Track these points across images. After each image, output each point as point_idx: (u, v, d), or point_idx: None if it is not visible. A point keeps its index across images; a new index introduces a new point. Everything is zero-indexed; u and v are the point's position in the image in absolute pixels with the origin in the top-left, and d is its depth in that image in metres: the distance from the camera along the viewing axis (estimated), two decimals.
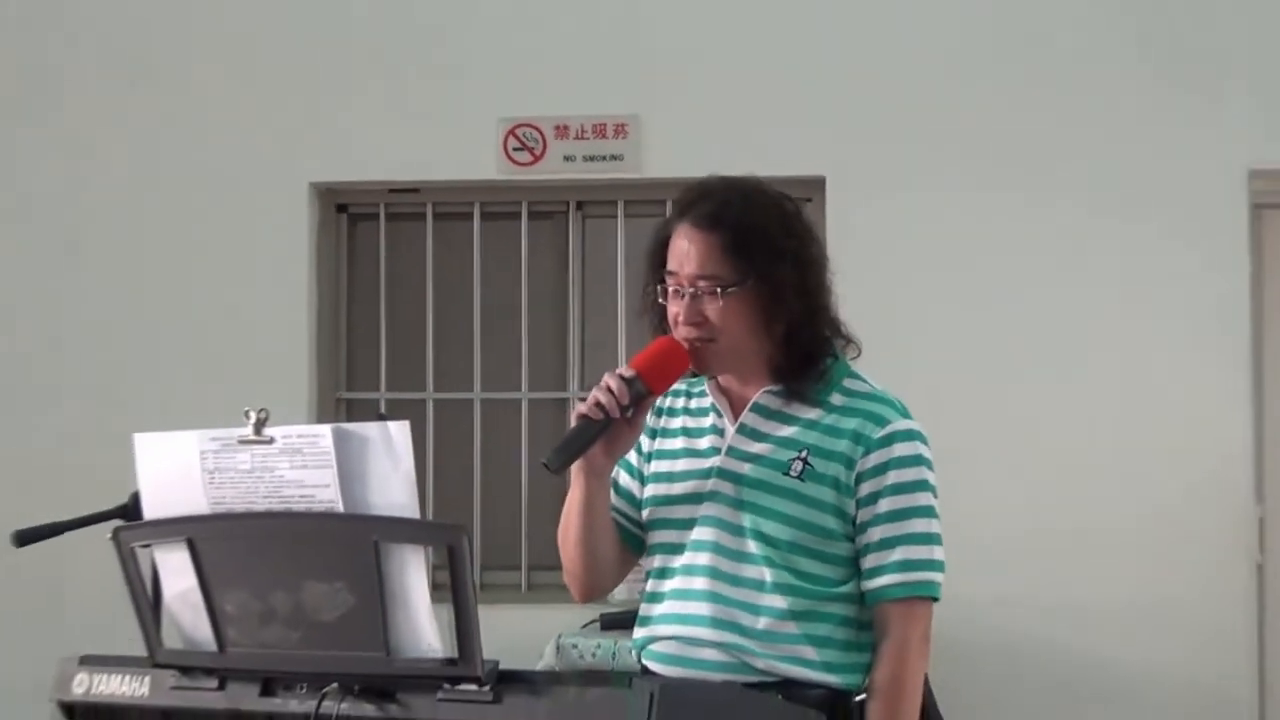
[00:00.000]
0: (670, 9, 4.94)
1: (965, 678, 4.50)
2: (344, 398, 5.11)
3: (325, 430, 2.57)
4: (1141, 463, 4.72)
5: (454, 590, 2.52)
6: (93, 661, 2.91)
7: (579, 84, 4.96)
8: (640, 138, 4.91)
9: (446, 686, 2.53)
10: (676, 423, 2.98)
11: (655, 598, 2.94)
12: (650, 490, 2.95)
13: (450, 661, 2.54)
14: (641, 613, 2.97)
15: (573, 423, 2.77)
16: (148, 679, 2.81)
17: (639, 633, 2.95)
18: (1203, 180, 4.78)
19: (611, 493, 2.96)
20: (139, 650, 2.80)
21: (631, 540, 2.98)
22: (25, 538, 3.30)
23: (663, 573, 2.93)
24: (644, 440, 2.96)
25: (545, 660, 4.40)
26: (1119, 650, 4.69)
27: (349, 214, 5.19)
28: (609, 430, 2.79)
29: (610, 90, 4.94)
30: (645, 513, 2.94)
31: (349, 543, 2.58)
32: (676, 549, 2.91)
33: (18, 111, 5.09)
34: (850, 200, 4.90)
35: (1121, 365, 4.78)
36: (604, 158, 4.86)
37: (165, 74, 5.08)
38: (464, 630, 2.53)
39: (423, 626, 2.56)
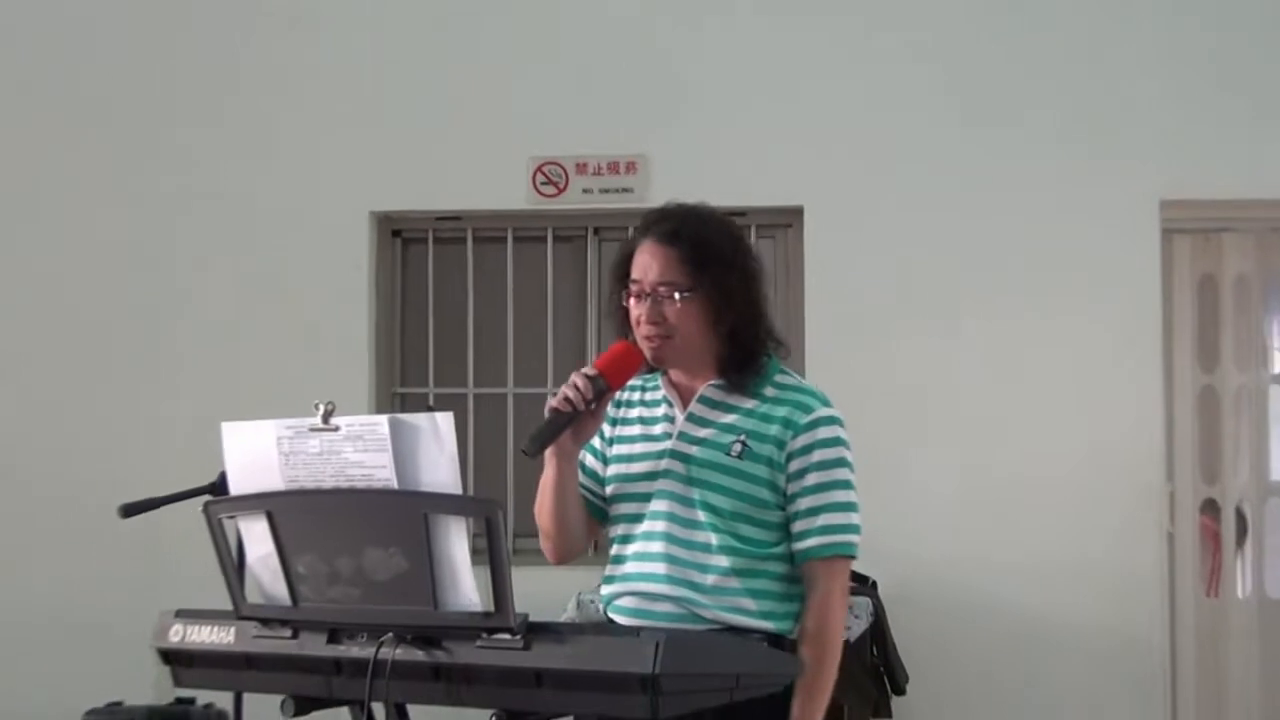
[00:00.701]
0: (672, 66, 4.94)
1: (920, 625, 4.55)
2: (398, 392, 5.12)
3: (382, 420, 2.60)
4: (1070, 448, 4.75)
5: (491, 555, 2.56)
6: (186, 615, 2.93)
7: (596, 129, 4.96)
8: (648, 173, 4.92)
9: (484, 635, 2.57)
10: (634, 413, 3.02)
11: (619, 560, 2.98)
12: (612, 470, 2.99)
13: (487, 614, 2.57)
14: (607, 573, 3.01)
15: (546, 415, 2.81)
16: (233, 629, 2.83)
17: (605, 590, 2.99)
18: (1122, 208, 4.79)
19: (579, 472, 2.99)
20: (226, 606, 2.84)
21: (596, 512, 3.03)
22: (130, 510, 3.33)
23: (625, 539, 2.98)
24: (605, 427, 3.00)
25: (568, 613, 4.41)
26: (1049, 602, 4.71)
27: (402, 238, 5.17)
28: (576, 420, 2.84)
29: (622, 134, 4.95)
30: (609, 489, 2.99)
31: (402, 515, 2.61)
32: (636, 519, 2.96)
33: (137, 147, 5.10)
34: (824, 226, 4.90)
35: (1054, 365, 4.78)
36: (617, 190, 4.87)
37: (244, 112, 5.09)
38: (499, 588, 2.56)
39: (464, 585, 2.59)
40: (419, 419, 2.59)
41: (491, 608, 2.56)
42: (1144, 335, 4.79)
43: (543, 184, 4.96)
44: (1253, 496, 4.96)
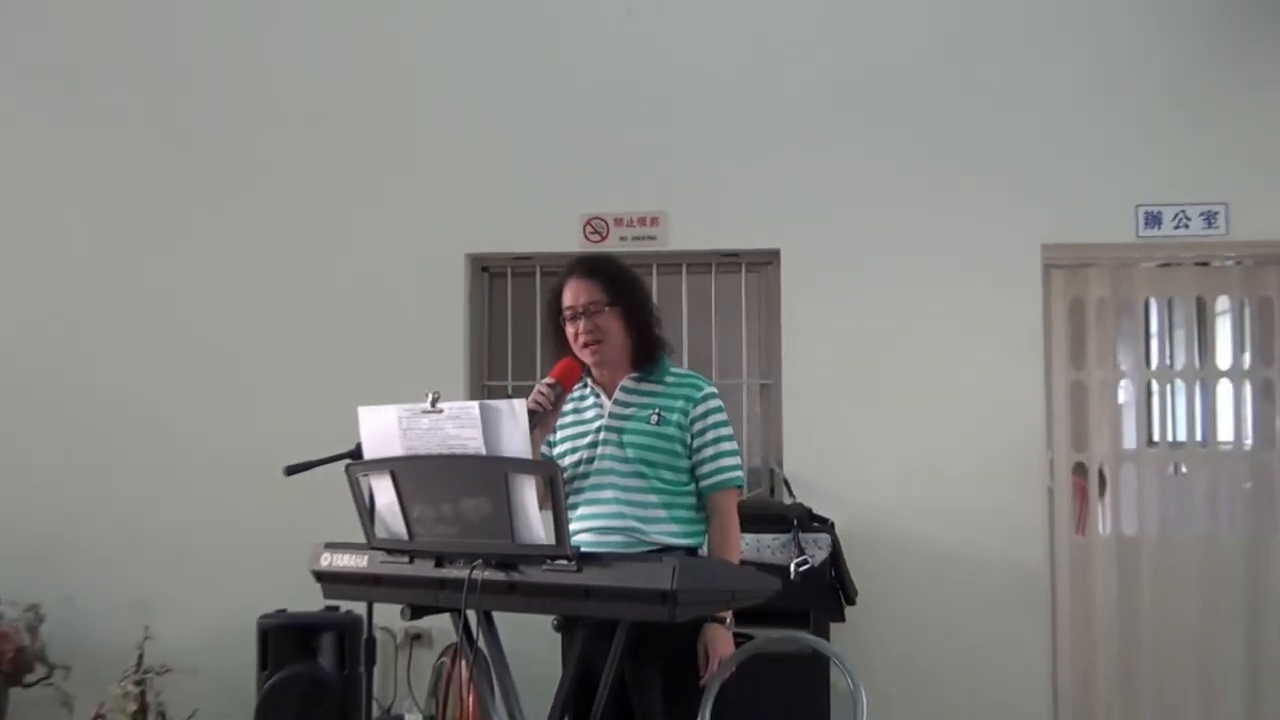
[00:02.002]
0: (683, 146, 4.96)
1: (865, 556, 4.56)
2: (486, 384, 5.12)
3: (474, 405, 2.68)
4: (976, 427, 4.75)
5: (553, 503, 2.64)
6: (333, 546, 3.00)
7: (629, 195, 4.98)
8: (666, 225, 4.94)
9: (548, 561, 2.63)
10: (567, 408, 3.19)
11: (575, 507, 3.13)
12: (561, 447, 3.19)
13: (550, 546, 2.64)
14: (571, 518, 3.11)
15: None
16: (366, 556, 2.91)
17: (571, 528, 3.06)
18: (1016, 250, 4.80)
19: (544, 450, 3.17)
20: (360, 539, 2.91)
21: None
22: (292, 469, 3.39)
23: (579, 491, 3.14)
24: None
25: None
26: (960, 540, 4.72)
27: (489, 272, 5.19)
28: (543, 416, 3.02)
29: (647, 198, 4.97)
30: (563, 460, 3.15)
31: (488, 474, 2.67)
32: (584, 477, 3.13)
33: (296, 203, 5.15)
34: (795, 263, 4.91)
35: (966, 367, 4.78)
36: (644, 238, 4.91)
37: (378, 174, 5.10)
38: (559, 527, 2.63)
39: (534, 525, 2.66)
40: (500, 404, 2.66)
41: (553, 541, 2.63)
42: (1030, 344, 4.80)
43: (590, 233, 4.99)
44: (1110, 460, 4.97)
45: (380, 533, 2.85)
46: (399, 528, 2.80)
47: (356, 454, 2.91)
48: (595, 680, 2.86)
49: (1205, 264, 4.97)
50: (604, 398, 3.12)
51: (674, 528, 3.03)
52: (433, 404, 2.70)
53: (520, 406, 2.65)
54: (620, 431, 3.06)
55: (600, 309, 3.06)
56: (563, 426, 3.15)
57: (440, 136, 5.07)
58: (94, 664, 4.76)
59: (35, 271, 5.22)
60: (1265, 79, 4.74)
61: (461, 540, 2.70)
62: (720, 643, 3.00)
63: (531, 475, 2.63)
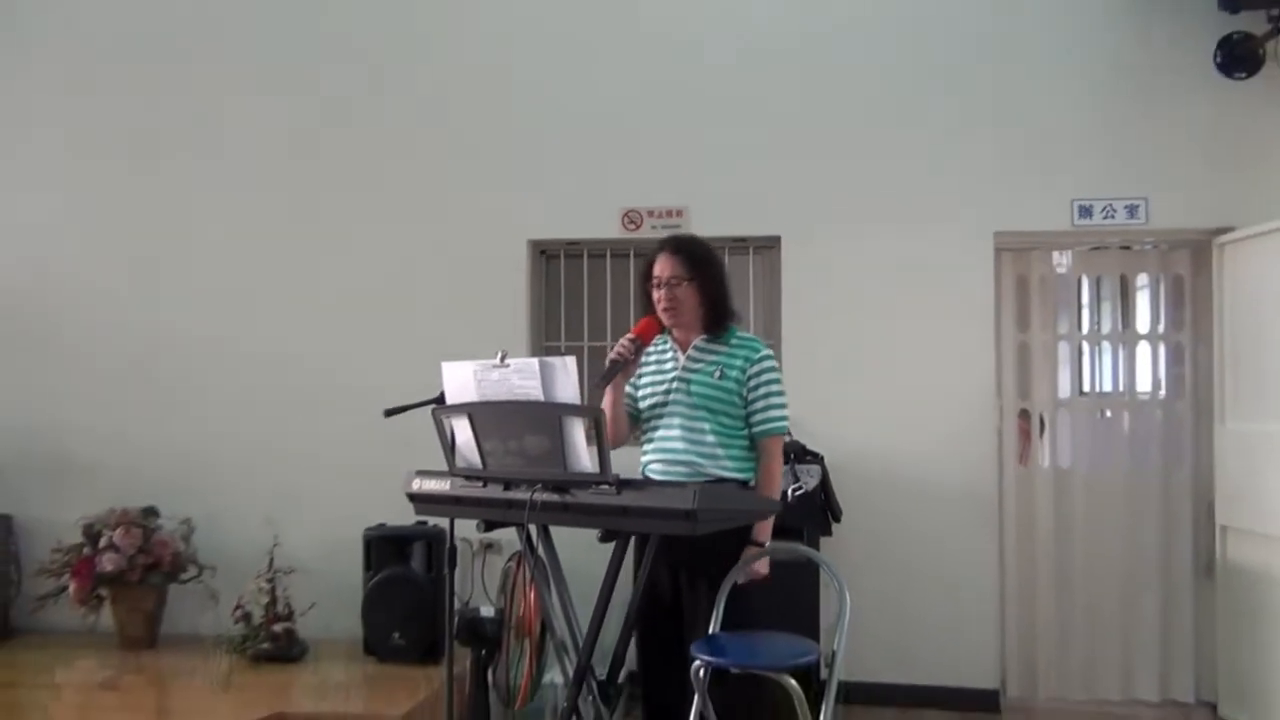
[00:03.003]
0: (701, 148, 4.90)
1: (849, 483, 4.53)
2: (544, 345, 5.09)
3: (535, 360, 2.67)
4: (938, 379, 4.70)
5: (598, 439, 2.61)
6: (422, 473, 3.02)
7: (659, 191, 4.93)
8: (690, 215, 4.87)
9: (594, 486, 2.63)
10: (650, 359, 3.18)
11: (650, 441, 3.12)
12: (644, 392, 3.15)
13: (595, 474, 2.63)
14: (644, 449, 3.16)
15: (608, 363, 3.01)
16: (448, 481, 2.91)
17: (644, 459, 3.14)
18: (972, 236, 4.72)
19: (624, 395, 3.14)
20: (444, 468, 2.90)
21: (634, 417, 3.17)
22: (390, 412, 3.39)
23: (654, 429, 3.13)
24: (639, 370, 3.19)
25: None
26: (924, 471, 4.68)
27: (545, 255, 5.15)
28: (624, 366, 3.02)
29: (674, 193, 4.91)
30: (642, 404, 3.14)
31: (546, 417, 2.67)
32: (660, 417, 3.11)
33: (400, 197, 5.13)
34: (793, 247, 4.85)
35: (930, 330, 4.71)
36: (670, 226, 4.79)
37: (451, 166, 5.06)
38: (602, 459, 2.62)
39: (583, 456, 2.65)
40: (556, 360, 2.66)
41: (598, 470, 2.62)
42: (983, 311, 4.73)
43: (628, 223, 4.94)
44: (1048, 407, 4.91)
45: (459, 463, 2.86)
46: (474, 459, 2.81)
47: (441, 400, 2.93)
48: (662, 588, 2.93)
49: (1128, 248, 4.92)
50: (680, 353, 3.13)
51: (729, 464, 3.02)
52: (501, 360, 2.71)
53: (571, 363, 2.66)
54: (689, 382, 3.06)
55: (680, 282, 3.07)
56: (647, 373, 3.17)
57: (509, 143, 5.03)
58: (234, 565, 4.80)
59: (201, 242, 5.24)
60: (1177, 93, 4.63)
61: (524, 469, 2.71)
62: (758, 563, 3.03)
63: (580, 418, 2.63)
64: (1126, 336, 4.94)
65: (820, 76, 4.87)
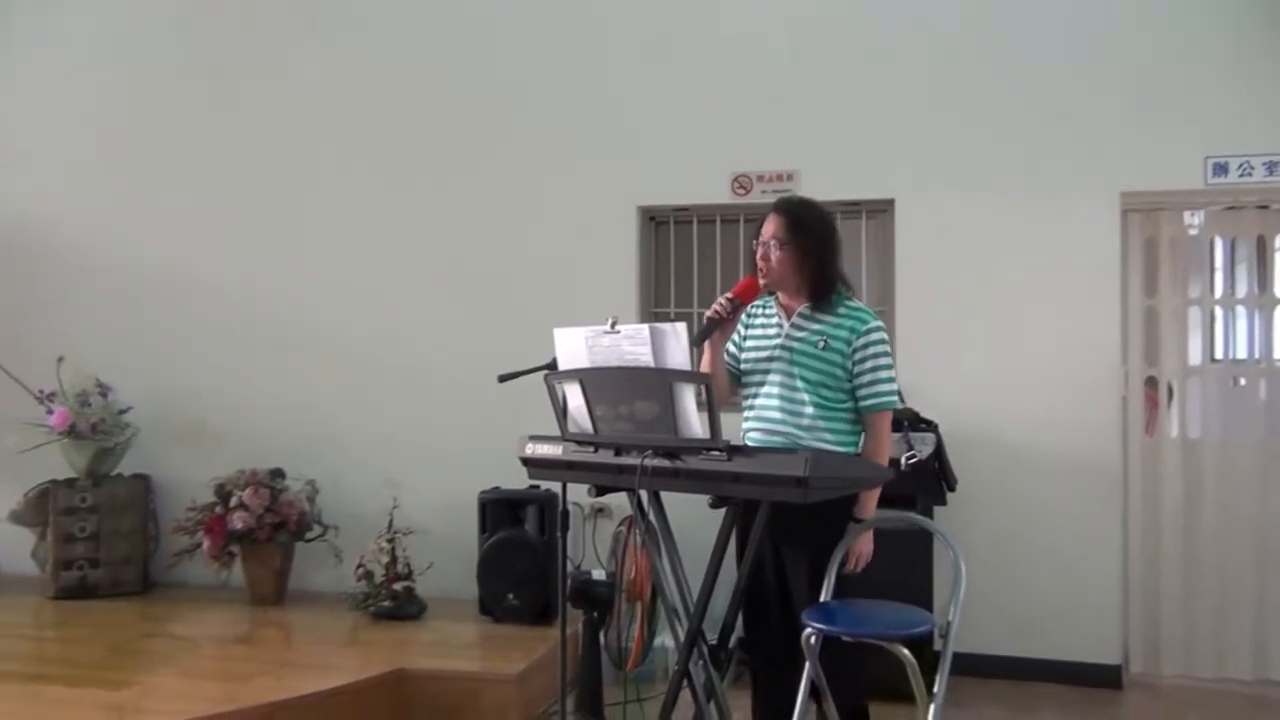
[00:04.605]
0: (813, 111, 4.81)
1: (964, 450, 4.45)
2: (653, 311, 5.08)
3: (645, 327, 2.68)
4: (1063, 345, 4.56)
5: (708, 405, 2.62)
6: (536, 438, 3.06)
7: (769, 155, 4.87)
8: (800, 180, 4.80)
9: (704, 452, 2.63)
10: (757, 321, 3.12)
11: (750, 408, 3.08)
12: (747, 354, 3.09)
13: (706, 440, 2.63)
14: (744, 415, 3.12)
15: (704, 320, 2.97)
16: (560, 446, 2.95)
17: (744, 426, 3.10)
18: (1099, 198, 4.54)
19: (724, 354, 3.10)
20: (557, 433, 2.94)
21: (734, 377, 3.13)
22: (504, 378, 3.45)
23: (754, 396, 3.10)
24: (740, 329, 3.13)
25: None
26: (1047, 439, 4.56)
27: (655, 221, 5.14)
28: (722, 325, 3.00)
29: (785, 157, 4.85)
30: (743, 366, 3.09)
31: (657, 382, 2.68)
32: (760, 384, 3.07)
33: (509, 179, 5.18)
34: (908, 211, 4.75)
35: (1054, 293, 4.57)
36: (781, 190, 4.72)
37: (561, 134, 5.08)
38: (713, 424, 2.62)
39: (693, 422, 2.66)
40: (666, 326, 2.66)
41: (708, 436, 2.62)
42: (1108, 275, 4.55)
43: (737, 188, 4.90)
44: (1178, 375, 4.71)
45: (571, 428, 2.89)
46: (586, 424, 2.83)
47: (553, 366, 2.95)
48: (763, 554, 2.94)
49: (1265, 207, 4.65)
50: (784, 321, 3.07)
51: (829, 437, 2.97)
52: (612, 326, 2.72)
53: (682, 329, 2.65)
54: (791, 351, 3.01)
55: (777, 245, 3.01)
56: (751, 338, 3.13)
57: (618, 110, 5.03)
58: (356, 526, 4.98)
59: (322, 214, 5.41)
60: None
61: (635, 434, 2.72)
62: (861, 540, 3.01)
63: (691, 384, 2.63)
64: (1263, 300, 4.70)
65: (935, 34, 4.73)
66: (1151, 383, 4.74)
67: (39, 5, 5.70)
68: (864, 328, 2.99)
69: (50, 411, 5.11)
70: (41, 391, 5.16)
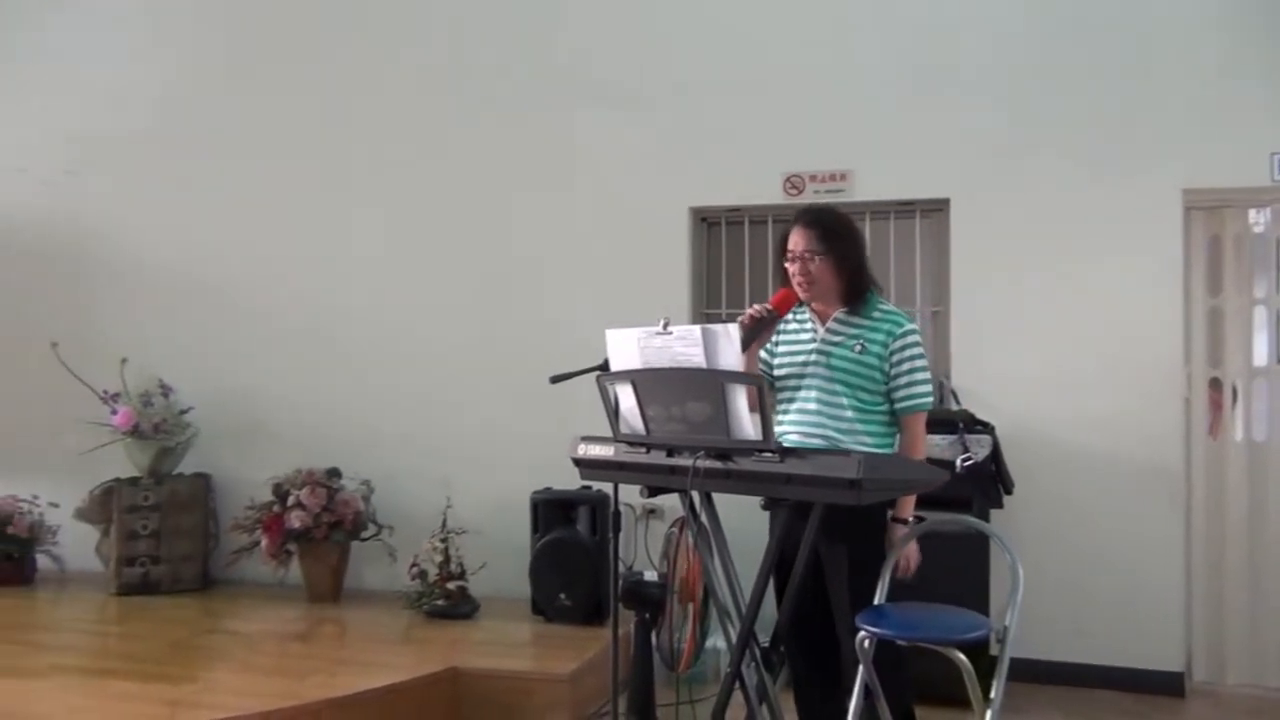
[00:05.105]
0: (867, 113, 4.78)
1: (1021, 453, 4.38)
2: (705, 311, 5.08)
3: (697, 328, 2.68)
4: (1123, 345, 4.47)
5: (760, 406, 2.61)
6: (587, 438, 3.06)
7: (822, 155, 4.84)
8: (854, 180, 4.77)
9: (756, 453, 2.62)
10: (790, 328, 3.12)
11: (785, 412, 3.07)
12: (781, 360, 3.10)
13: (758, 441, 2.62)
14: (778, 420, 3.08)
15: (743, 329, 2.87)
16: (612, 447, 2.95)
17: (777, 430, 3.04)
18: (1160, 195, 4.45)
19: (759, 361, 3.11)
20: (608, 434, 2.94)
21: (767, 384, 3.09)
22: (556, 379, 3.46)
23: (789, 401, 3.08)
24: (774, 338, 3.13)
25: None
26: (1108, 442, 4.47)
27: (706, 222, 5.14)
28: (759, 334, 2.98)
29: (838, 156, 4.81)
30: (778, 371, 3.09)
31: (709, 383, 2.67)
32: (796, 389, 3.07)
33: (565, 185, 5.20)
34: (963, 210, 4.69)
35: (1115, 293, 4.49)
36: (835, 191, 4.73)
37: (616, 139, 5.08)
38: (765, 425, 2.61)
39: (745, 424, 2.65)
40: (717, 327, 2.65)
41: (761, 437, 2.61)
42: (1171, 274, 4.46)
43: (789, 188, 4.87)
44: (1243, 376, 4.61)
45: (623, 429, 2.89)
46: (638, 425, 2.83)
47: (605, 367, 2.95)
48: (794, 554, 2.88)
49: None
50: (819, 326, 3.06)
51: (868, 439, 2.96)
52: (664, 327, 2.72)
53: (734, 330, 2.65)
54: (829, 355, 3.01)
55: (814, 256, 3.00)
56: (785, 343, 3.12)
57: (669, 110, 5.03)
58: (410, 525, 5.02)
59: (376, 215, 5.46)
60: None
61: (687, 435, 2.72)
62: (908, 547, 3.01)
63: (743, 385, 2.62)
64: None
65: (991, 30, 4.67)
66: (1215, 384, 4.64)
67: (97, 18, 5.83)
68: (900, 330, 3.00)
69: (114, 411, 5.22)
70: (106, 392, 5.28)
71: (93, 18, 5.84)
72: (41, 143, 5.85)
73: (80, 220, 5.81)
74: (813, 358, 3.03)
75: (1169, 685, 4.42)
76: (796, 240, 3.04)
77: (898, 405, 2.98)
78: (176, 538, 5.29)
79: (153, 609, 4.93)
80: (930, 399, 3.01)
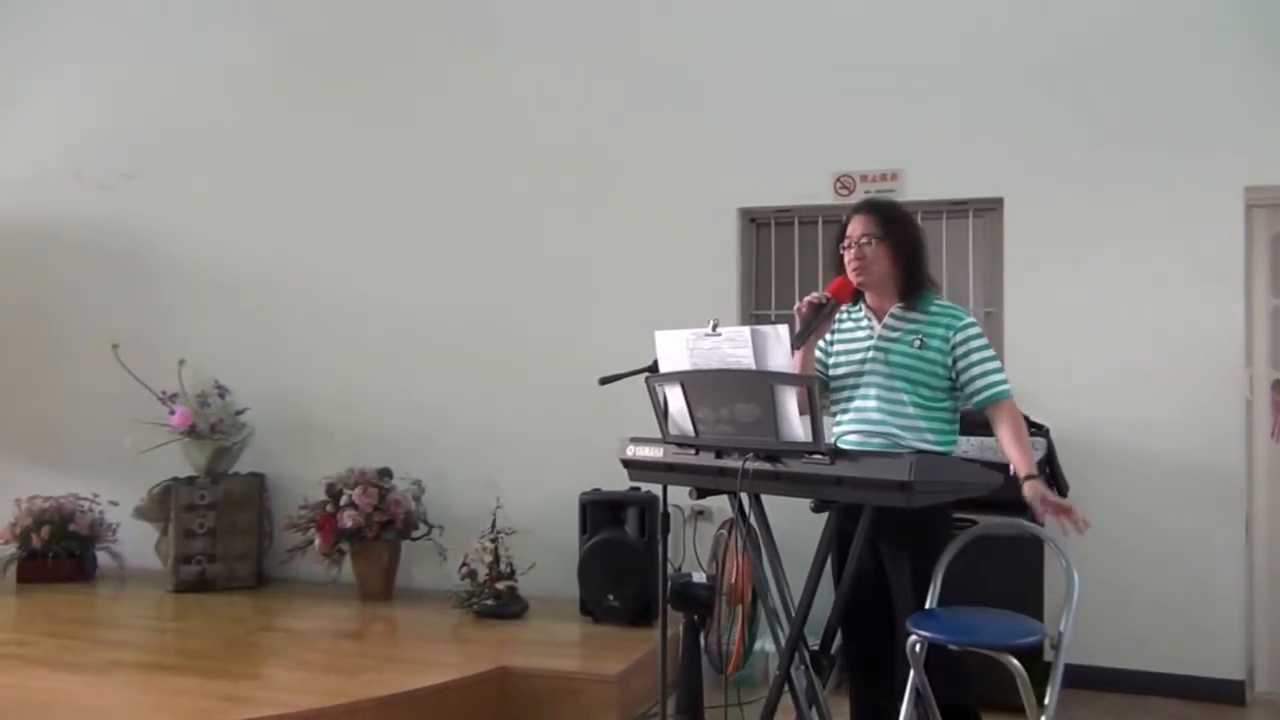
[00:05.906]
0: (917, 112, 4.74)
1: (1076, 456, 4.32)
2: (754, 313, 5.07)
3: (747, 329, 2.67)
4: (1184, 346, 4.38)
5: (810, 408, 2.59)
6: (636, 439, 3.06)
7: (873, 154, 4.80)
8: (905, 179, 4.74)
9: (807, 455, 2.60)
10: (845, 326, 3.09)
11: (844, 412, 3.05)
12: (837, 359, 3.07)
13: (808, 443, 2.61)
14: (837, 419, 3.07)
15: (801, 318, 2.92)
16: (661, 448, 2.95)
17: (837, 430, 3.05)
18: (1222, 193, 4.36)
19: (815, 360, 3.10)
20: (657, 435, 2.94)
21: (823, 384, 3.10)
22: (605, 380, 3.47)
23: (848, 399, 3.06)
24: (828, 335, 3.10)
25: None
26: (1168, 445, 4.39)
27: (756, 223, 5.12)
28: (815, 327, 2.94)
29: (888, 156, 4.78)
30: (834, 370, 3.07)
31: (758, 385, 2.66)
32: (855, 387, 3.04)
33: (606, 183, 5.22)
34: (1016, 209, 4.63)
35: (1172, 299, 4.40)
36: (886, 191, 4.67)
37: (666, 142, 5.09)
38: (816, 428, 2.60)
39: (795, 425, 2.64)
40: (767, 328, 2.64)
41: (811, 439, 2.59)
42: (1233, 273, 4.36)
43: (840, 188, 4.83)
44: None
45: (672, 430, 2.89)
46: (687, 426, 2.83)
47: (654, 368, 2.96)
48: (864, 560, 2.89)
49: None
50: (875, 322, 3.04)
51: (930, 436, 2.93)
52: (713, 329, 2.72)
53: (784, 331, 2.63)
54: (886, 352, 2.98)
55: (870, 240, 2.98)
56: (839, 342, 3.09)
57: (719, 111, 5.02)
58: (460, 525, 5.06)
59: (427, 217, 5.50)
60: None
61: (736, 437, 2.71)
62: (1038, 493, 2.87)
63: (793, 386, 2.61)
64: None
65: (1042, 27, 4.61)
66: (1278, 386, 4.54)
67: (155, 20, 5.95)
68: (959, 324, 2.96)
69: (172, 412, 5.32)
70: (164, 393, 5.38)
71: (151, 20, 5.97)
72: (98, 147, 5.99)
73: (138, 224, 5.93)
74: (870, 354, 2.99)
75: (1230, 694, 4.32)
76: (855, 226, 3.02)
77: (977, 399, 2.93)
78: (232, 536, 5.38)
79: (209, 606, 5.02)
80: (1008, 385, 2.94)
